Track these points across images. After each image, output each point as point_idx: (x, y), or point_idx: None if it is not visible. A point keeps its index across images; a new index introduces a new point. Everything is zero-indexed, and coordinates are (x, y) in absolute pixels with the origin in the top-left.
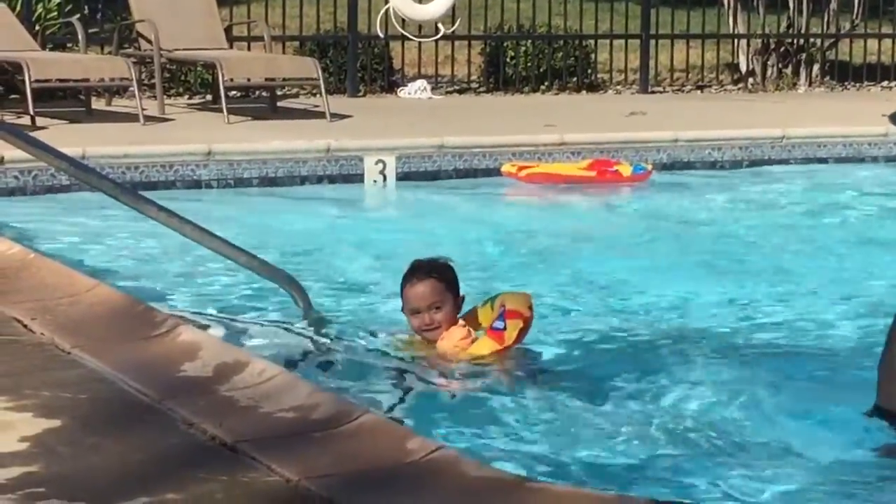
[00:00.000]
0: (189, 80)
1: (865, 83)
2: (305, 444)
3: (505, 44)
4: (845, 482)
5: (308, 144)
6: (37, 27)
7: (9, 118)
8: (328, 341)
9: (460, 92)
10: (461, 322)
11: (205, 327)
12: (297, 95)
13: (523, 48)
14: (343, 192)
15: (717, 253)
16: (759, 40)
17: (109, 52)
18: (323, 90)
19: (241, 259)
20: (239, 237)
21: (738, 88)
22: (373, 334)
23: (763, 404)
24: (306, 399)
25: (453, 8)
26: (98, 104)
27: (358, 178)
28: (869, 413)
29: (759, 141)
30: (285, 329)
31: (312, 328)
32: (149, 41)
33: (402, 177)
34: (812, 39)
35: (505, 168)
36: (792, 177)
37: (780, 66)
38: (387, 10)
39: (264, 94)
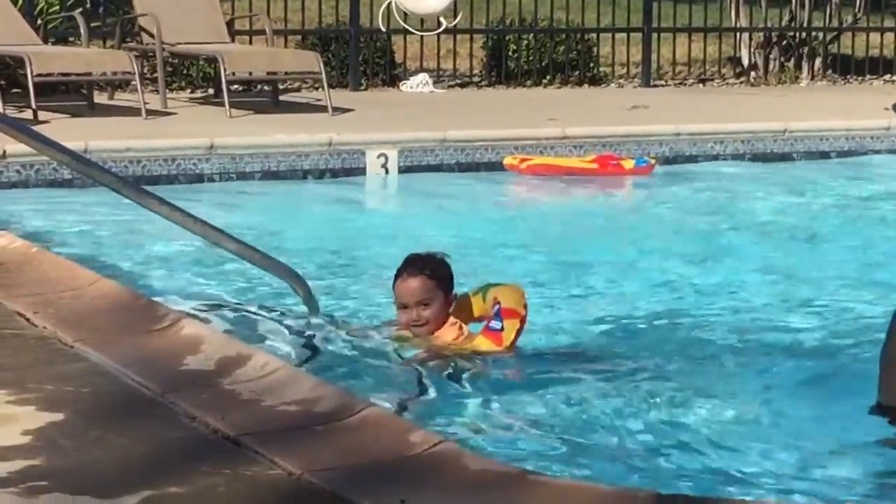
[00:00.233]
0: (191, 73)
1: (867, 77)
2: (308, 437)
3: (507, 37)
4: (847, 478)
5: (310, 138)
6: (39, 21)
7: (11, 112)
8: (330, 334)
9: (462, 86)
10: (452, 320)
11: (207, 321)
12: (298, 89)
13: (525, 42)
14: (345, 185)
15: (718, 246)
16: (762, 34)
17: (111, 46)
18: (325, 84)
19: (243, 252)
20: (241, 231)
21: (741, 82)
22: (373, 328)
23: (764, 399)
24: (309, 392)
25: (455, 1)
26: (100, 98)
27: (360, 172)
28: (871, 410)
29: (762, 134)
30: (288, 322)
31: (314, 321)
32: (151, 35)
33: (405, 170)
34: (814, 33)
35: (507, 160)
36: (793, 170)
37: (782, 59)
38: (389, 4)
39: (266, 87)
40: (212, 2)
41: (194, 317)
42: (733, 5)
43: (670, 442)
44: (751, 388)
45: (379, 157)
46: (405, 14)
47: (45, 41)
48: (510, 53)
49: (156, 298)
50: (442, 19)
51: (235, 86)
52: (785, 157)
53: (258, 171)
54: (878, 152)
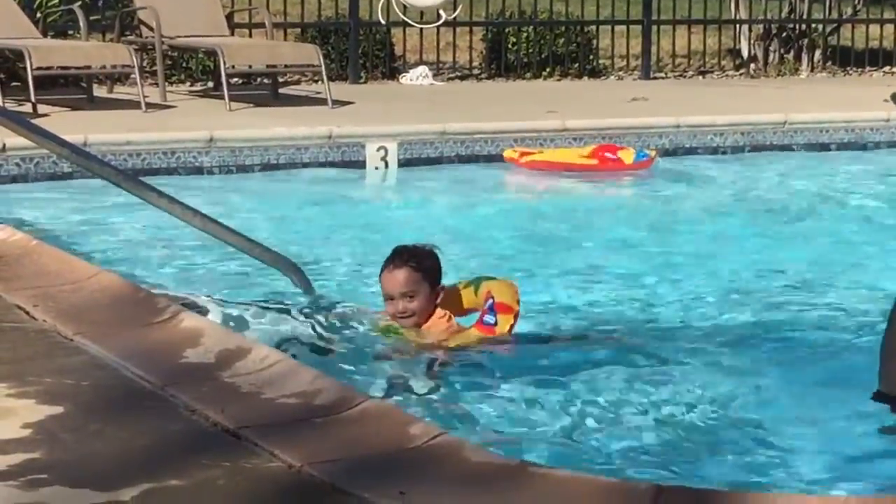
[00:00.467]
0: (191, 67)
1: (867, 68)
2: (308, 430)
3: (506, 30)
4: (847, 466)
5: (310, 131)
6: (38, 14)
7: (10, 106)
8: (330, 327)
9: (462, 78)
10: (440, 312)
11: (207, 314)
12: (298, 82)
13: (525, 34)
14: (345, 178)
15: (717, 237)
16: (761, 26)
17: (111, 40)
18: (324, 77)
19: (243, 245)
20: (240, 224)
21: (740, 74)
22: (368, 320)
23: (765, 389)
24: (308, 385)
25: None
26: (99, 91)
27: (360, 165)
28: (871, 398)
29: (762, 126)
30: (287, 315)
31: (314, 314)
32: (150, 28)
33: (404, 163)
34: (814, 25)
35: (507, 153)
36: (794, 162)
37: (781, 51)
38: None
39: (266, 80)
40: None
41: (194, 309)
42: None
43: (670, 434)
44: (750, 378)
45: (379, 149)
46: (404, 7)
47: (45, 34)
48: (510, 46)
49: (155, 291)
50: (441, 12)
51: (235, 79)
52: (785, 149)
53: (258, 163)
54: (877, 144)
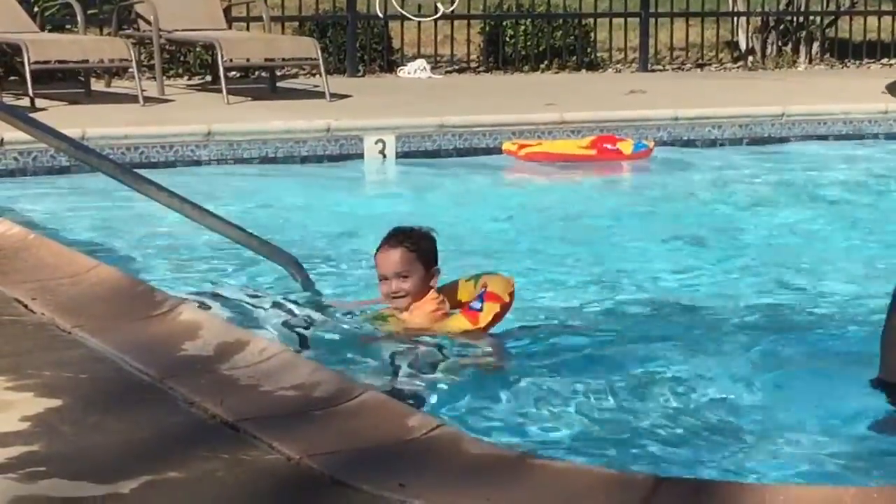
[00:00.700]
0: (188, 60)
1: (865, 61)
2: (307, 422)
3: (504, 23)
4: (847, 455)
5: (308, 124)
6: (35, 8)
7: (8, 100)
8: (328, 319)
9: (460, 71)
10: (433, 294)
11: (205, 307)
12: (296, 76)
13: (522, 27)
14: (343, 171)
15: (717, 229)
16: (759, 18)
17: (108, 34)
18: (322, 70)
19: (241, 238)
20: (239, 217)
21: (738, 66)
22: (360, 310)
23: (764, 378)
24: (307, 377)
25: None
26: (97, 85)
27: (358, 158)
28: (871, 386)
29: (759, 118)
30: (286, 308)
31: (312, 307)
32: (148, 22)
33: (402, 156)
34: (812, 17)
35: (506, 146)
36: (791, 154)
37: (779, 43)
38: None
39: (264, 74)
40: None
41: (192, 302)
42: None
43: (669, 425)
44: (749, 369)
45: (377, 142)
46: (402, 0)
47: (42, 28)
48: (507, 39)
49: (154, 284)
50: (439, 5)
51: (233, 72)
52: (783, 141)
53: (256, 157)
54: (875, 135)
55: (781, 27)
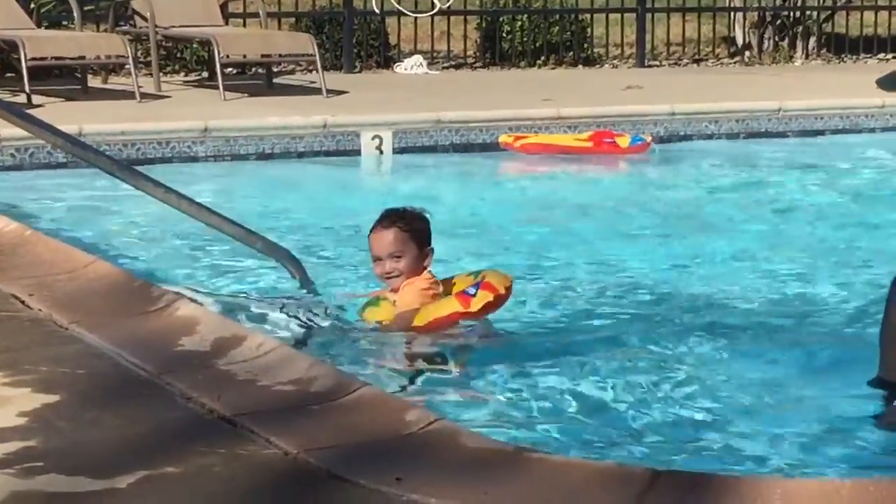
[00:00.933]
0: (185, 57)
1: (862, 55)
2: (304, 416)
3: (501, 18)
4: (844, 450)
5: (305, 120)
6: (32, 5)
7: (5, 96)
8: (325, 314)
9: (456, 67)
10: (427, 274)
11: (202, 302)
12: (293, 72)
13: (519, 23)
14: (340, 167)
15: (714, 224)
16: (756, 13)
17: (105, 30)
18: (319, 66)
19: (237, 234)
20: (236, 213)
21: (735, 62)
22: (352, 301)
23: (762, 373)
24: (305, 372)
25: None
26: (94, 82)
27: (355, 154)
28: (871, 383)
29: (756, 114)
30: (283, 303)
31: (309, 302)
32: (144, 18)
33: (399, 152)
34: (808, 12)
35: (502, 138)
36: (788, 149)
37: (776, 38)
38: None
39: (260, 70)
40: None
41: (189, 298)
42: None
43: (667, 419)
44: (747, 363)
45: (374, 138)
46: None
47: (39, 25)
48: (504, 35)
49: (151, 280)
50: (436, 0)
51: (229, 69)
52: (780, 136)
53: (252, 153)
54: (872, 130)
55: (778, 22)
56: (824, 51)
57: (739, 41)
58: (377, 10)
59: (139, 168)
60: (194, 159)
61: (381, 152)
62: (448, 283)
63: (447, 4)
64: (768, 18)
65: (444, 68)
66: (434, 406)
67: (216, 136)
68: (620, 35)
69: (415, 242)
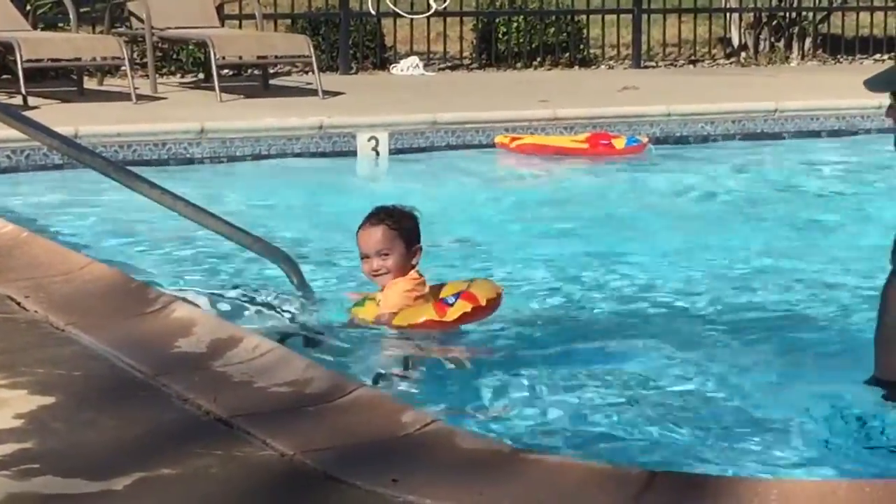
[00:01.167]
0: (181, 58)
1: (858, 56)
2: (300, 418)
3: (497, 20)
4: (841, 451)
5: (301, 122)
6: (28, 6)
7: (1, 98)
8: (319, 315)
9: (453, 68)
10: (414, 274)
11: (198, 304)
12: (289, 73)
13: (515, 24)
14: (336, 168)
15: (710, 225)
16: (752, 14)
17: (101, 32)
18: (315, 68)
19: (234, 235)
20: (232, 215)
21: (731, 62)
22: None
23: (758, 375)
24: (300, 374)
25: None
26: (90, 84)
27: (351, 155)
28: (867, 383)
29: (752, 114)
30: (279, 305)
31: (306, 304)
32: (140, 20)
33: (395, 153)
34: (804, 13)
35: (498, 139)
36: (784, 150)
37: (772, 39)
38: None
39: (256, 72)
40: None
41: (185, 300)
42: None
43: (664, 419)
44: (743, 364)
45: (370, 140)
46: None
47: (35, 27)
48: (500, 36)
49: (147, 281)
50: (432, 2)
51: (226, 70)
52: (776, 137)
53: (248, 154)
54: (868, 131)
55: (774, 23)
56: (820, 52)
57: (735, 42)
58: (373, 12)
59: (135, 169)
60: (190, 161)
61: (378, 154)
62: (438, 288)
63: (443, 6)
64: (764, 19)
65: (440, 69)
66: (430, 407)
67: (212, 137)
68: (616, 36)
69: (403, 240)
